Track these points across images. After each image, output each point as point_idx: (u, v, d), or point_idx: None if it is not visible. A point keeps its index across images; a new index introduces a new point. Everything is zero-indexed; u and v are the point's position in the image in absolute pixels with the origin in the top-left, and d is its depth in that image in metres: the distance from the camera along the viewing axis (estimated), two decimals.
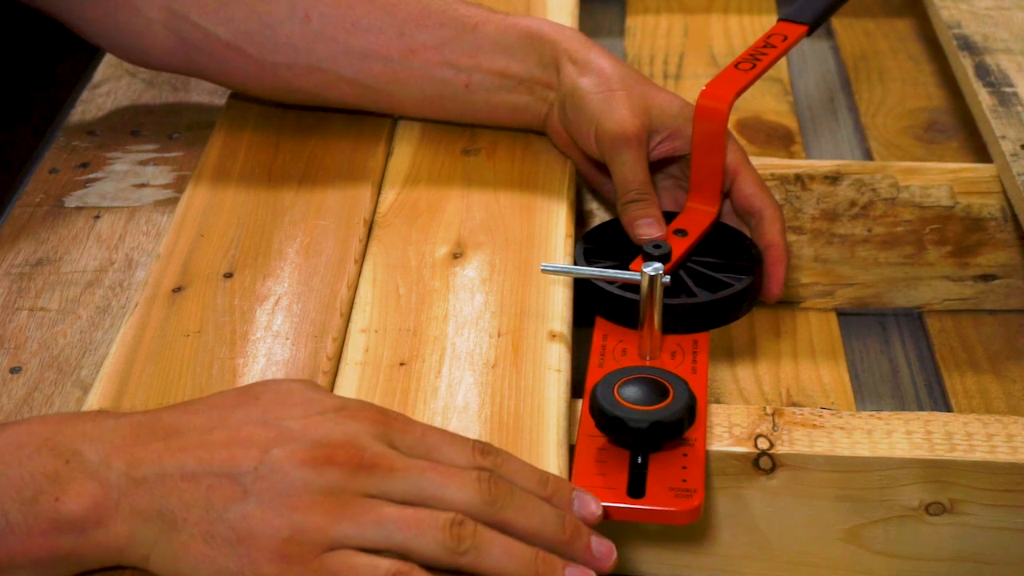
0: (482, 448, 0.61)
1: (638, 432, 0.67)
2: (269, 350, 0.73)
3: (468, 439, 0.61)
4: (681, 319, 0.77)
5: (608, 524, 0.66)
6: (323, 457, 0.58)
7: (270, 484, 0.57)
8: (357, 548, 0.56)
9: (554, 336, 0.74)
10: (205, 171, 0.88)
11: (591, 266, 0.80)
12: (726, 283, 0.79)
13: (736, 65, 0.83)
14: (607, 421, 0.67)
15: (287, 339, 0.74)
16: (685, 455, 0.68)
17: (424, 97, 0.88)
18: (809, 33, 0.88)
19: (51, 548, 0.56)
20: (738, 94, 0.81)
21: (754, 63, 0.84)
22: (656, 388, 0.68)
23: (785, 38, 0.87)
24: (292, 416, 0.59)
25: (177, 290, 0.77)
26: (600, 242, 0.83)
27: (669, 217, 0.83)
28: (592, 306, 0.79)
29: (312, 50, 0.87)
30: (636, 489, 0.66)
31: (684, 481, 0.66)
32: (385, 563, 0.56)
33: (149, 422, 0.59)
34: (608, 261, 0.81)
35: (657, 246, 0.79)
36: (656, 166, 0.85)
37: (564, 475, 0.66)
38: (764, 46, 0.86)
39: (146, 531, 0.57)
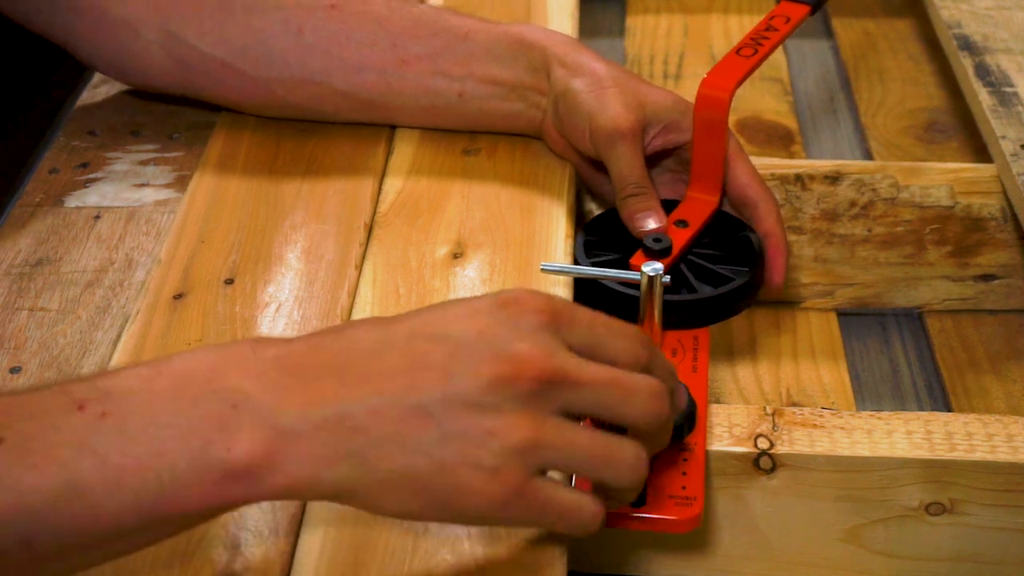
0: (642, 341, 0.59)
1: None
2: None
3: (629, 328, 0.59)
4: (682, 315, 0.77)
5: (608, 529, 0.66)
6: (509, 375, 0.54)
7: (461, 412, 0.54)
8: (550, 469, 0.56)
9: None
10: (205, 173, 0.88)
11: (591, 258, 0.80)
12: (727, 277, 0.79)
13: (738, 51, 0.83)
14: (606, 429, 0.67)
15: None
16: (685, 461, 0.68)
17: (418, 107, 0.89)
18: (812, 13, 0.88)
19: (224, 497, 0.53)
20: (740, 82, 0.81)
21: (756, 48, 0.83)
22: None
23: (788, 20, 0.86)
24: (457, 320, 0.56)
25: (178, 297, 0.77)
26: (600, 233, 0.83)
27: (669, 206, 0.83)
28: (592, 302, 0.79)
29: (305, 64, 0.87)
30: (636, 498, 0.66)
31: (684, 488, 0.66)
32: (590, 505, 0.56)
33: (313, 352, 0.55)
34: (609, 253, 0.81)
35: (658, 239, 0.79)
36: (652, 160, 0.85)
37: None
38: (766, 29, 0.85)
39: (333, 474, 0.53)
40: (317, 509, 0.64)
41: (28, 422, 0.52)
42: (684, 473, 0.67)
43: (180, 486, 0.52)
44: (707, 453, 0.70)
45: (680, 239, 0.80)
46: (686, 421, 0.68)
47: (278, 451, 0.53)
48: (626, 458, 0.57)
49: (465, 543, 0.62)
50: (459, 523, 0.57)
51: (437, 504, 0.54)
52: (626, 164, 0.82)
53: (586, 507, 0.57)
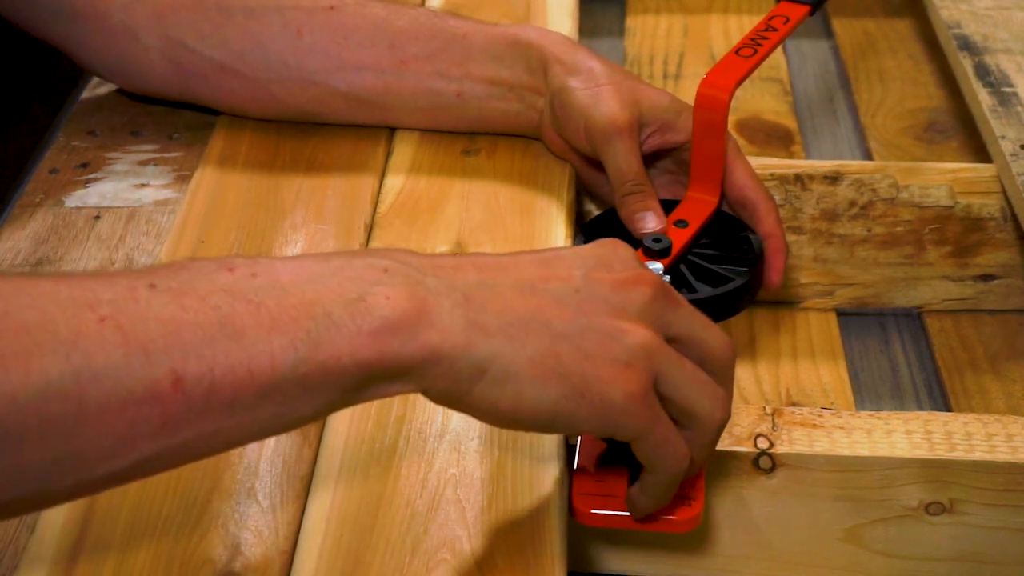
0: (731, 349, 0.62)
1: None
2: None
3: (724, 336, 0.62)
4: None
5: (607, 529, 0.66)
6: (632, 279, 0.58)
7: (596, 306, 0.57)
8: (660, 382, 0.58)
9: None
10: (205, 173, 0.89)
11: None
12: (727, 277, 0.79)
13: (737, 51, 0.83)
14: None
15: None
16: None
17: (417, 108, 0.89)
18: (811, 13, 0.88)
19: (378, 349, 0.52)
20: (739, 82, 0.81)
21: (755, 48, 0.83)
22: None
23: (787, 20, 0.86)
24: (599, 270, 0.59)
25: None
26: (599, 233, 0.83)
27: (669, 206, 0.83)
28: None
29: (304, 65, 0.88)
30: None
31: (683, 489, 0.66)
32: (684, 444, 0.59)
33: (453, 258, 0.57)
34: None
35: (657, 239, 0.79)
36: (649, 161, 0.85)
37: (564, 477, 0.67)
38: (766, 29, 0.85)
39: (485, 344, 0.54)
40: (317, 509, 0.64)
41: (179, 273, 0.52)
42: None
43: (336, 333, 0.52)
44: None
45: (680, 239, 0.80)
46: None
47: (433, 307, 0.54)
48: (722, 395, 0.60)
49: (465, 543, 0.62)
50: (580, 422, 0.57)
51: (575, 393, 0.55)
52: (623, 160, 0.82)
53: (682, 444, 0.59)
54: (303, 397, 0.52)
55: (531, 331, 0.55)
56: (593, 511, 0.65)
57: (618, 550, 0.75)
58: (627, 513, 0.65)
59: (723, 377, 0.61)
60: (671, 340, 0.59)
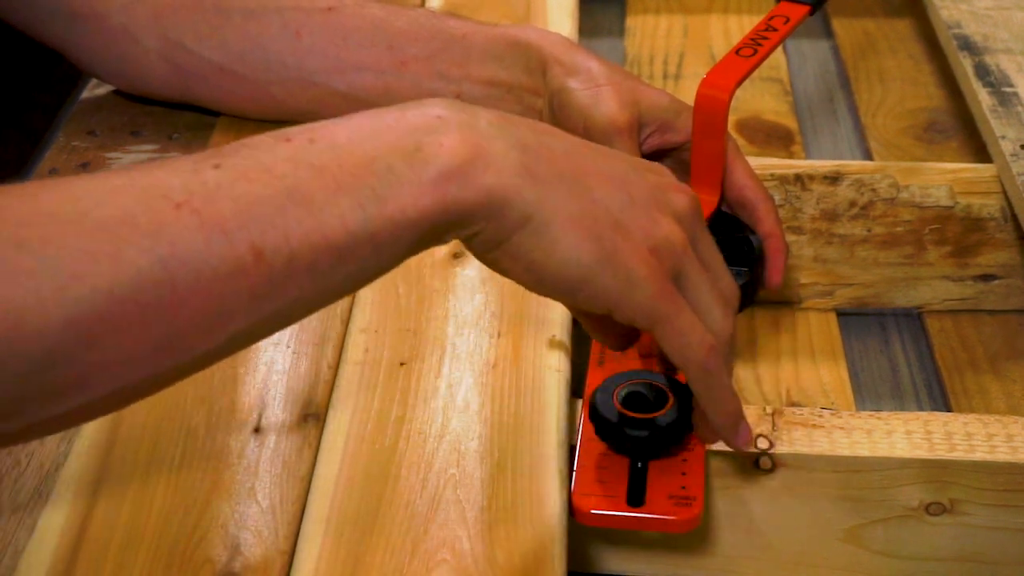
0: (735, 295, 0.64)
1: (637, 440, 0.67)
2: (270, 359, 0.74)
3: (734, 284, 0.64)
4: None
5: (607, 529, 0.66)
6: (674, 186, 0.62)
7: (643, 191, 0.59)
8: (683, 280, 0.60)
9: (554, 336, 0.75)
10: None
11: None
12: None
13: (737, 51, 0.83)
14: (606, 429, 0.67)
15: (288, 347, 0.74)
16: (685, 461, 0.68)
17: None
18: (812, 13, 0.88)
19: (439, 197, 0.54)
20: (739, 82, 0.81)
21: (755, 48, 0.83)
22: (656, 394, 0.68)
23: (787, 20, 0.86)
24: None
25: None
26: None
27: None
28: None
29: (303, 65, 0.88)
30: (635, 497, 0.66)
31: (683, 488, 0.66)
32: (706, 333, 0.60)
33: (507, 115, 0.59)
34: None
35: None
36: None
37: (564, 477, 0.67)
38: (766, 29, 0.85)
39: (534, 190, 0.56)
40: (317, 509, 0.64)
41: (239, 151, 0.53)
42: (684, 473, 0.67)
43: (398, 186, 0.53)
44: (707, 453, 0.71)
45: None
46: (686, 421, 0.68)
47: (486, 151, 0.55)
48: (731, 311, 0.63)
49: (465, 543, 0.62)
50: (602, 292, 0.58)
51: (604, 258, 0.57)
52: None
53: (708, 335, 0.61)
54: (375, 254, 0.54)
55: (577, 190, 0.57)
56: (593, 511, 0.66)
57: (618, 550, 0.75)
58: (627, 513, 0.65)
59: (730, 310, 0.63)
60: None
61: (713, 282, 0.62)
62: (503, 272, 0.59)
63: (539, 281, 0.58)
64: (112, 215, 0.49)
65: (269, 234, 0.51)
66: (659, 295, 0.59)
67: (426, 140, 0.55)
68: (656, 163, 0.65)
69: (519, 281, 0.59)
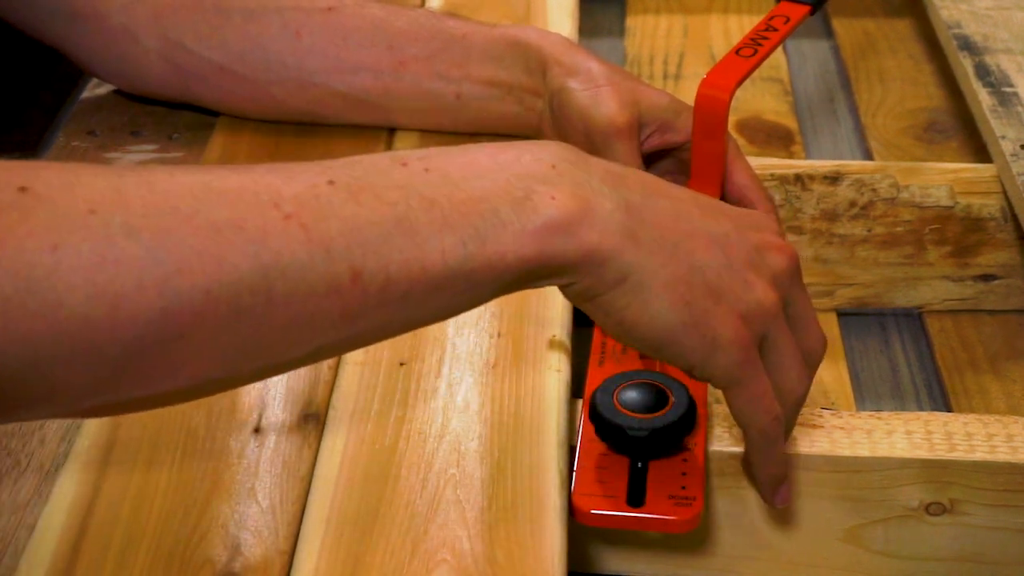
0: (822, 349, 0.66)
1: (637, 440, 0.67)
2: None
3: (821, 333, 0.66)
4: None
5: (607, 529, 0.66)
6: (776, 246, 0.63)
7: (742, 253, 0.60)
8: (768, 345, 0.62)
9: (554, 336, 0.74)
10: None
11: None
12: None
13: (737, 51, 0.83)
14: (606, 429, 0.67)
15: None
16: (685, 461, 0.68)
17: (416, 109, 0.89)
18: (812, 13, 0.88)
19: (540, 247, 0.55)
20: (740, 82, 0.81)
21: (756, 48, 0.83)
22: (656, 394, 0.68)
23: (787, 20, 0.86)
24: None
25: None
26: None
27: None
28: None
29: (303, 66, 0.88)
30: (635, 498, 0.66)
31: (683, 488, 0.66)
32: (776, 404, 0.63)
33: (620, 168, 0.60)
34: None
35: None
36: (648, 162, 0.85)
37: (564, 477, 0.67)
38: (766, 29, 0.85)
39: (633, 252, 0.57)
40: (317, 509, 0.64)
41: (354, 168, 0.54)
42: (684, 473, 0.67)
43: (502, 231, 0.54)
44: (707, 453, 0.70)
45: None
46: (686, 421, 0.68)
47: (594, 208, 0.56)
48: (809, 376, 0.65)
49: (465, 543, 0.62)
50: (687, 351, 0.60)
51: (692, 322, 0.59)
52: (623, 161, 0.82)
53: (776, 404, 0.63)
54: (468, 291, 0.55)
55: (676, 255, 0.58)
56: (593, 511, 0.66)
57: (618, 550, 0.75)
58: (627, 513, 0.65)
59: (812, 367, 0.65)
60: (786, 316, 0.63)
61: (799, 343, 0.64)
62: (592, 318, 0.60)
63: (627, 335, 0.60)
64: (223, 217, 0.50)
65: (370, 258, 0.52)
66: (740, 362, 0.60)
67: (537, 189, 0.56)
68: (762, 216, 0.65)
69: (605, 330, 0.61)
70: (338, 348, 0.55)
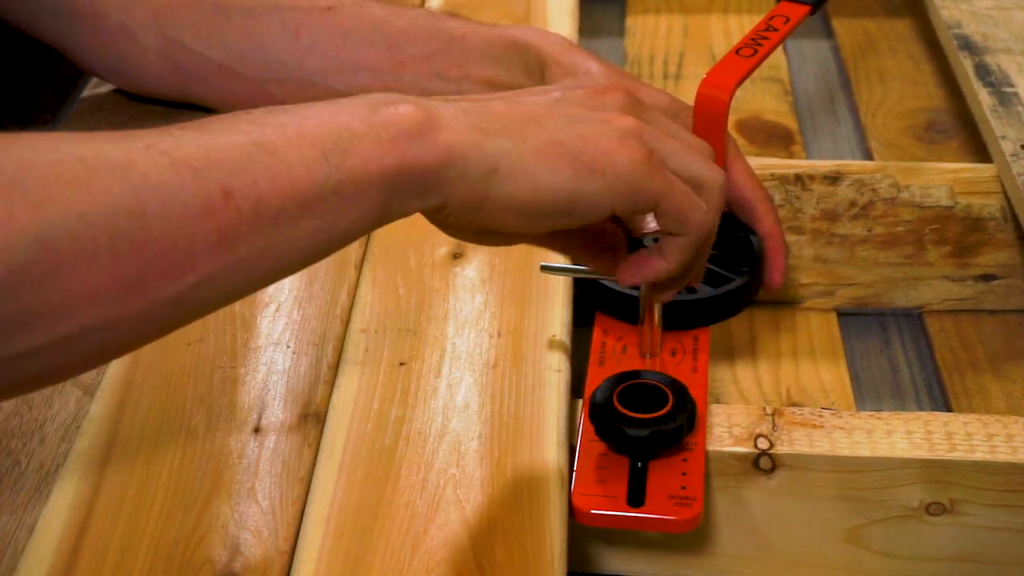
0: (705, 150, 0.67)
1: (637, 441, 0.67)
2: (270, 359, 0.73)
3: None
4: (682, 315, 0.77)
5: (607, 529, 0.66)
6: (604, 89, 0.65)
7: (578, 106, 0.63)
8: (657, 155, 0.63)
9: (554, 336, 0.74)
10: None
11: None
12: (727, 277, 0.79)
13: (737, 51, 0.83)
14: (606, 429, 0.67)
15: (288, 347, 0.74)
16: (685, 460, 0.68)
17: None
18: (812, 13, 0.88)
19: (399, 154, 0.56)
20: (740, 82, 0.81)
21: (756, 48, 0.83)
22: (655, 394, 0.68)
23: (787, 20, 0.86)
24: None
25: None
26: None
27: None
28: (592, 301, 0.79)
29: (302, 65, 0.88)
30: (635, 498, 0.66)
31: (683, 488, 0.66)
32: (698, 199, 0.64)
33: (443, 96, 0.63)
34: None
35: (657, 239, 0.78)
36: None
37: (564, 477, 0.66)
38: (766, 29, 0.85)
39: (491, 143, 0.58)
40: (317, 509, 0.64)
41: (199, 122, 0.55)
42: (684, 473, 0.67)
43: (359, 143, 0.55)
44: (707, 453, 0.70)
45: None
46: (686, 421, 0.68)
47: (439, 116, 0.58)
48: (708, 152, 0.66)
49: (465, 543, 0.62)
50: (599, 197, 0.60)
51: (585, 169, 0.59)
52: None
53: (702, 203, 0.64)
54: (339, 208, 0.55)
55: (527, 129, 0.60)
56: (593, 511, 0.66)
57: (618, 550, 0.75)
58: (627, 513, 0.65)
59: (709, 159, 0.66)
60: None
61: (682, 141, 0.65)
62: (501, 228, 0.61)
63: (537, 217, 0.60)
64: (87, 152, 0.50)
65: (237, 177, 0.52)
66: (647, 176, 0.61)
67: (381, 108, 0.57)
68: (581, 74, 0.69)
69: (519, 229, 0.61)
70: (219, 283, 0.53)
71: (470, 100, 0.61)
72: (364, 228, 0.57)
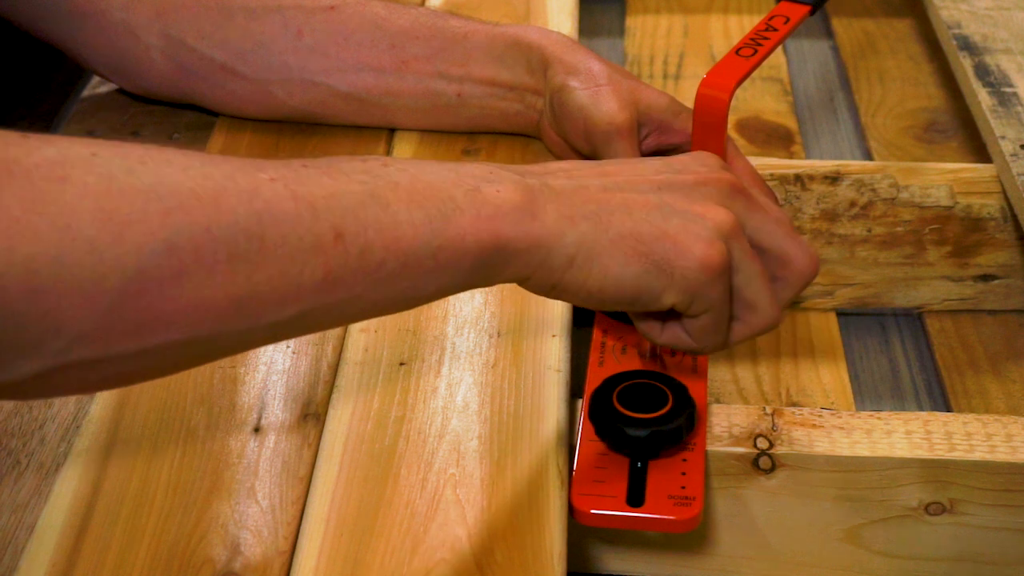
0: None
1: (637, 440, 0.67)
2: (270, 359, 0.73)
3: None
4: None
5: (607, 529, 0.66)
6: (712, 180, 0.65)
7: (677, 197, 0.63)
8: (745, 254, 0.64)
9: (554, 336, 0.74)
10: None
11: None
12: None
13: (737, 51, 0.83)
14: (606, 429, 0.67)
15: (288, 347, 0.74)
16: (684, 460, 0.68)
17: (417, 108, 0.89)
18: (812, 13, 0.88)
19: (493, 231, 0.58)
20: (739, 82, 0.81)
21: (755, 48, 0.83)
22: (655, 394, 0.68)
23: (787, 20, 0.86)
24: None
25: None
26: None
27: None
28: None
29: (305, 66, 0.88)
30: (635, 497, 0.66)
31: (683, 488, 0.66)
32: (770, 293, 0.65)
33: (546, 164, 0.64)
34: None
35: None
36: None
37: (564, 477, 0.66)
38: (766, 29, 0.85)
39: (575, 231, 0.60)
40: (317, 509, 0.64)
41: (322, 160, 0.57)
42: (683, 473, 0.67)
43: (460, 214, 0.58)
44: (706, 453, 0.70)
45: None
46: (685, 421, 0.68)
47: (534, 201, 0.60)
48: (778, 300, 0.66)
49: (465, 543, 0.62)
50: (661, 294, 0.62)
51: (655, 267, 0.61)
52: None
53: (725, 336, 0.65)
54: (434, 272, 0.57)
55: (615, 217, 0.61)
56: (593, 511, 0.66)
57: (618, 550, 0.75)
58: (627, 513, 0.65)
59: (793, 285, 0.66)
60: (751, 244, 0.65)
61: (763, 268, 0.65)
62: (571, 302, 0.64)
63: (601, 301, 0.62)
64: (215, 172, 0.52)
65: (350, 221, 0.55)
66: (711, 284, 0.62)
67: (483, 184, 0.59)
68: (694, 154, 0.67)
69: (588, 306, 0.64)
70: (318, 318, 0.55)
71: (573, 176, 0.63)
72: (447, 292, 0.59)
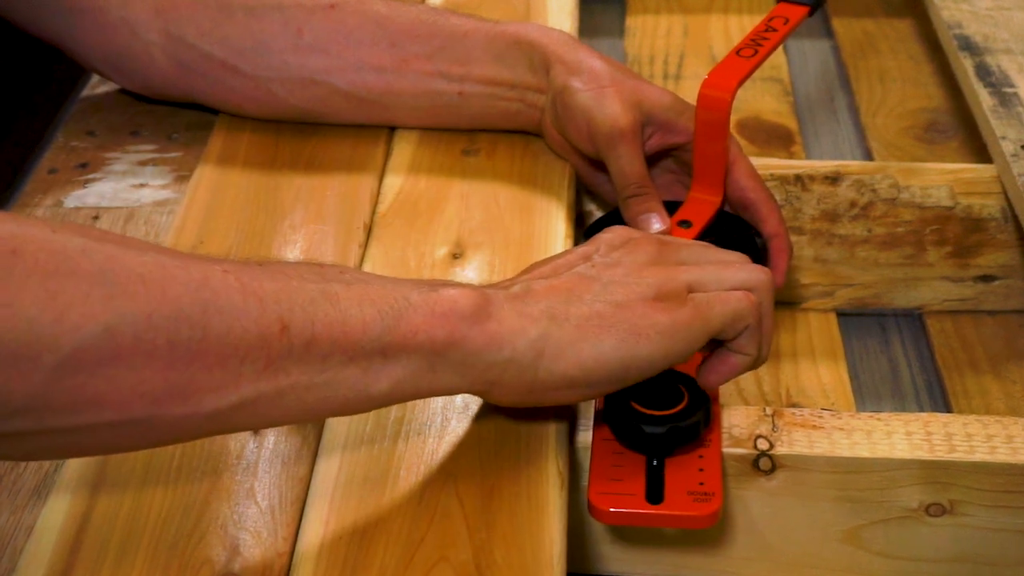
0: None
1: (654, 437, 0.67)
2: None
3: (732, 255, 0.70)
4: None
5: (615, 527, 0.66)
6: (632, 243, 0.67)
7: (611, 268, 0.65)
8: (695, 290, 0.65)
9: None
10: (204, 173, 0.88)
11: None
12: None
13: (738, 52, 0.83)
14: (622, 427, 0.67)
15: None
16: (701, 456, 0.68)
17: (418, 107, 0.89)
18: (811, 14, 0.88)
19: (448, 329, 0.59)
20: (741, 82, 0.81)
21: (756, 49, 0.83)
22: (670, 390, 0.68)
23: (787, 20, 0.86)
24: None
25: None
26: None
27: (672, 207, 0.83)
28: None
29: (305, 64, 0.88)
30: (654, 495, 0.66)
31: (701, 484, 0.66)
32: (736, 292, 0.65)
33: (498, 283, 0.66)
34: None
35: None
36: (650, 161, 0.85)
37: (564, 477, 0.66)
38: (765, 30, 0.85)
39: (536, 327, 0.61)
40: (316, 510, 0.64)
41: (276, 264, 0.59)
42: (701, 469, 0.67)
43: (413, 312, 0.59)
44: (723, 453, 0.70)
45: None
46: (702, 417, 0.68)
47: (491, 303, 0.61)
48: (743, 259, 0.68)
49: (465, 543, 0.62)
50: (653, 358, 0.63)
51: (629, 335, 0.62)
52: (627, 163, 0.82)
53: (741, 296, 0.65)
54: (383, 367, 0.59)
55: (569, 306, 0.62)
56: (612, 509, 0.66)
57: (618, 550, 0.75)
58: (647, 510, 0.65)
59: (764, 298, 0.67)
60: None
61: (714, 264, 0.67)
62: (558, 404, 0.65)
63: (588, 387, 0.63)
64: (169, 260, 0.54)
65: (297, 314, 0.56)
66: (693, 328, 0.64)
67: (440, 287, 0.61)
68: (605, 231, 0.69)
69: (574, 401, 0.67)
70: (256, 409, 0.56)
71: (522, 286, 0.64)
72: (407, 394, 0.60)
